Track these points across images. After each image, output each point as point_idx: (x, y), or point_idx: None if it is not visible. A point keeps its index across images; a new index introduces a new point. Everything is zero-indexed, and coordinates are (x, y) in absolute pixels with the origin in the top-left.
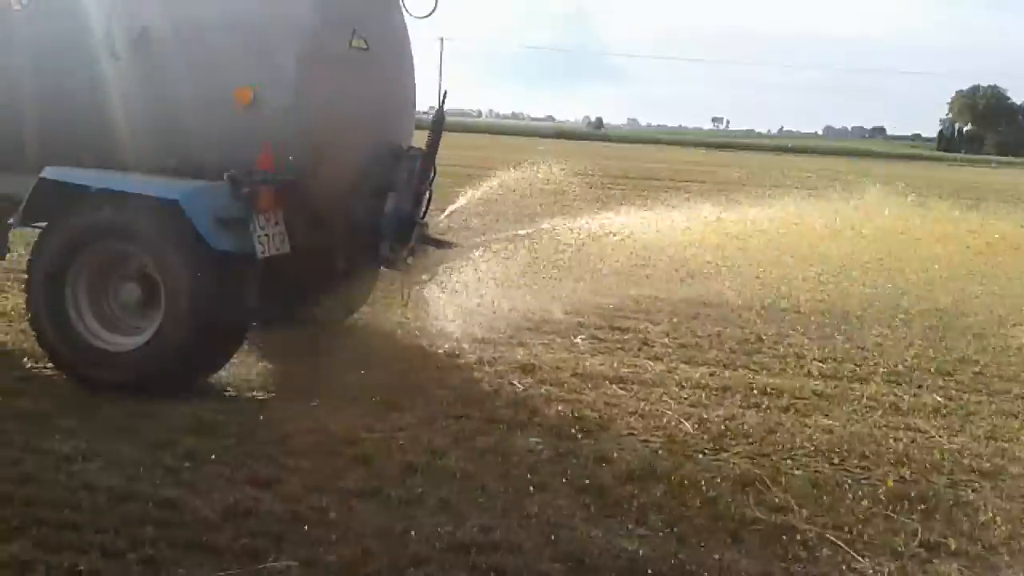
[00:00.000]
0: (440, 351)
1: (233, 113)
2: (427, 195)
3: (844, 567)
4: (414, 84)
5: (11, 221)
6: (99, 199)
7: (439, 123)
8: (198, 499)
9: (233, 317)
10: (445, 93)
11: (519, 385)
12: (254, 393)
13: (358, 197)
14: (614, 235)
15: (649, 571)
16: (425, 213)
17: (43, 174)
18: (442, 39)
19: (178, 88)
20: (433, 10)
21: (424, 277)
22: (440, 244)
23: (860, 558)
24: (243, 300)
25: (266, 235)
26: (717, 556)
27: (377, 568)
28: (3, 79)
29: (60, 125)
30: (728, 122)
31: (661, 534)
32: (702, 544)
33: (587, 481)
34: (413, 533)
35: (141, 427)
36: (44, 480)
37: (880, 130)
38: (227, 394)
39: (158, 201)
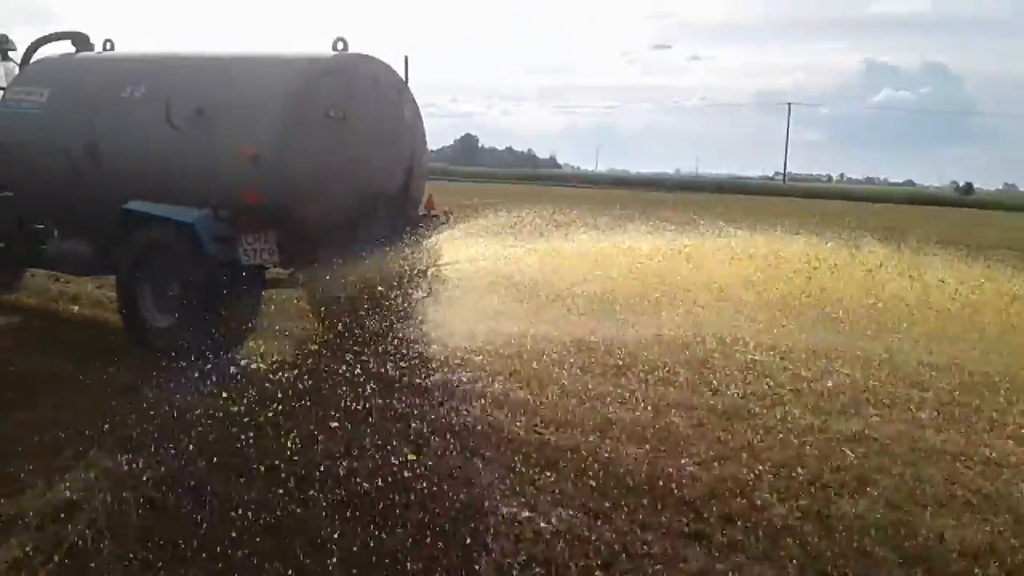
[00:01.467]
0: (762, 415)
1: (243, 164)
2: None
3: None
4: (403, 143)
5: None
6: (153, 223)
7: (409, 174)
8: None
9: (230, 306)
10: (411, 158)
11: (851, 454)
12: (583, 433)
13: (335, 226)
14: None
15: None
16: None
17: (126, 206)
18: (789, 104)
19: (214, 148)
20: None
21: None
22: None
23: None
24: (236, 295)
25: (253, 249)
26: None
27: None
28: (114, 142)
29: (145, 171)
30: None
31: None
32: None
33: (918, 553)
34: None
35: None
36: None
37: None
38: (567, 431)
39: (181, 223)
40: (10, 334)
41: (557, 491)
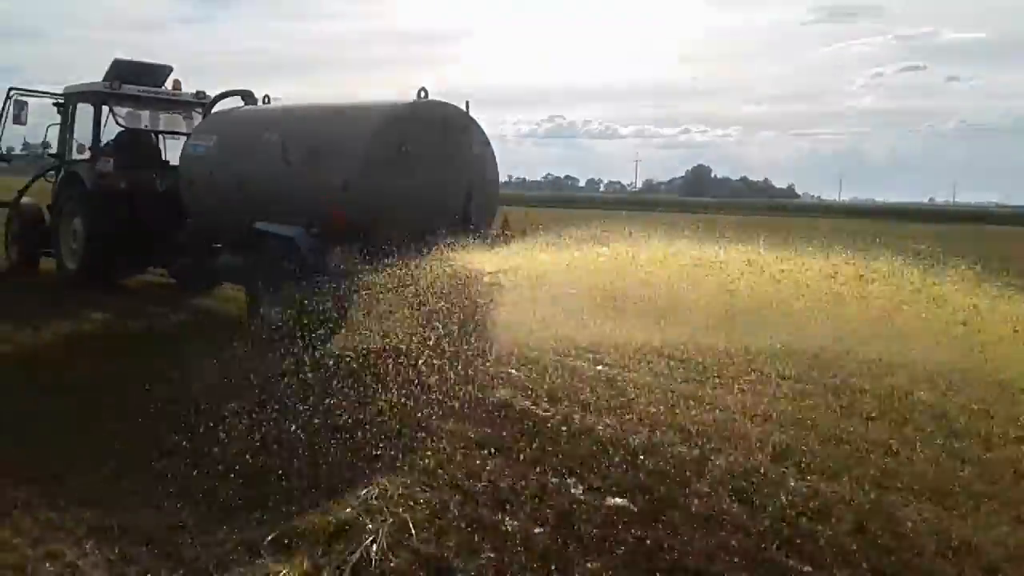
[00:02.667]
0: None
1: (334, 191)
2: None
3: None
4: (462, 172)
5: None
6: (269, 238)
7: (468, 197)
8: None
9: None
10: (470, 185)
11: None
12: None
13: (405, 239)
14: None
15: None
16: None
17: (254, 225)
18: None
19: (313, 179)
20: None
21: None
22: None
23: None
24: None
25: (340, 258)
26: None
27: None
28: (254, 183)
29: (269, 199)
30: None
31: None
32: None
33: None
34: None
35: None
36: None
37: None
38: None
39: (286, 238)
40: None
41: (837, 548)
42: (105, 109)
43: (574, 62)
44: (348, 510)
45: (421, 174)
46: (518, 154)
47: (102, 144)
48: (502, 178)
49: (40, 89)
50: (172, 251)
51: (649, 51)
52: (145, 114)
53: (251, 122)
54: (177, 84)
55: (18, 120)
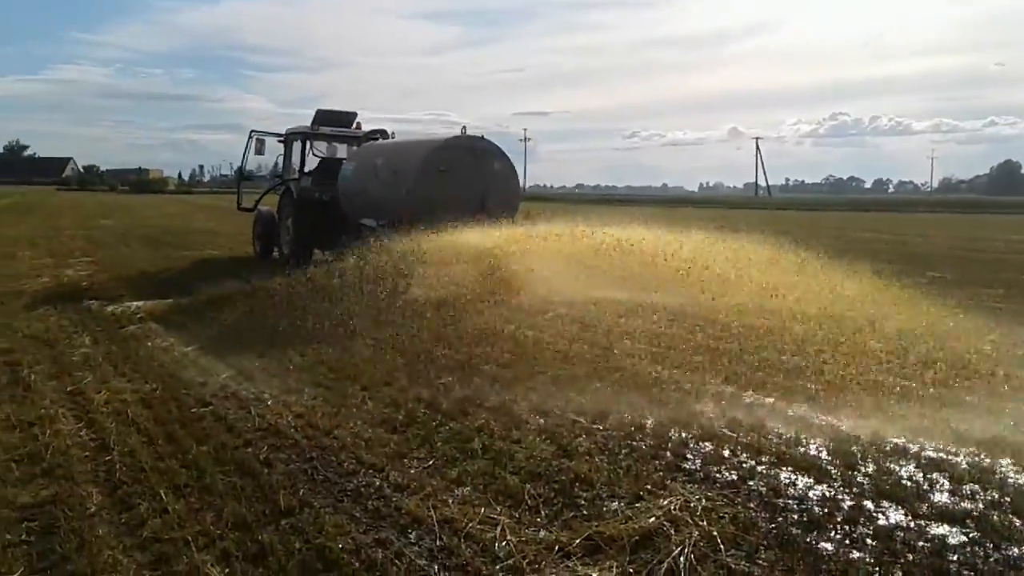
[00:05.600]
0: None
1: (401, 197)
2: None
3: None
4: (478, 186)
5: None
6: (365, 228)
7: (484, 199)
8: None
9: None
10: (486, 191)
11: None
12: None
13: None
14: None
15: None
16: None
17: (360, 221)
18: None
19: (392, 188)
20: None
21: None
22: None
23: None
24: None
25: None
26: None
27: None
28: (369, 192)
29: (369, 203)
30: None
31: None
32: None
33: None
34: None
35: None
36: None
37: None
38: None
39: (373, 227)
40: None
41: None
42: (309, 144)
43: (860, 54)
44: (652, 519)
45: (451, 187)
46: (795, 156)
47: (307, 169)
48: (778, 182)
49: (273, 131)
50: (342, 242)
51: (946, 37)
52: (342, 147)
53: (370, 153)
54: (359, 125)
55: (259, 152)
